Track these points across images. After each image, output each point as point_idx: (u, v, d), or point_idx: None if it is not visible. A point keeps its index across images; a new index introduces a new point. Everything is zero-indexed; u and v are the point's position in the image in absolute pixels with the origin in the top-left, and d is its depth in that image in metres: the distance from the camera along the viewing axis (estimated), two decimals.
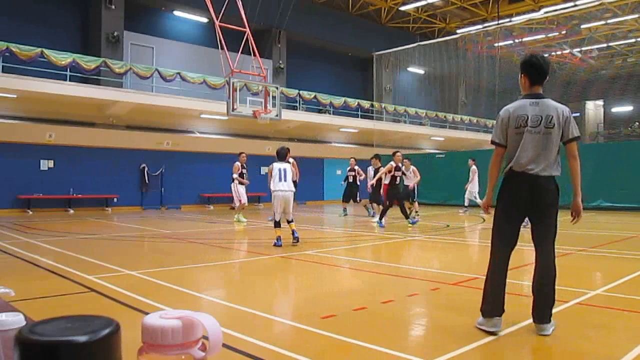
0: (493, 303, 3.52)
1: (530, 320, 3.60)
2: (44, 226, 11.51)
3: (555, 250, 3.63)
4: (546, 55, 31.21)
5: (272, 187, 8.42)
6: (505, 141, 3.62)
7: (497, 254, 3.59)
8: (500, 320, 3.50)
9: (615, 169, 15.92)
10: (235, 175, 12.73)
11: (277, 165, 8.47)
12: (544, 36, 27.05)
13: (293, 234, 8.51)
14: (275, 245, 8.18)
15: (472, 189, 15.30)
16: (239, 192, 12.74)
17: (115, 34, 17.89)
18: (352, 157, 15.39)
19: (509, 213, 3.59)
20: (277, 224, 8.52)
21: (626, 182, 15.85)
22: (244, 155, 13.03)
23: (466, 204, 15.64)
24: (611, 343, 3.46)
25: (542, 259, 3.56)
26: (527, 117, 3.49)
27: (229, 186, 13.11)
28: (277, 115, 14.91)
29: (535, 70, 3.59)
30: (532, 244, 3.62)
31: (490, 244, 3.66)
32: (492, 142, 3.71)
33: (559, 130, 3.51)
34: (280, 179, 8.41)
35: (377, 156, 13.55)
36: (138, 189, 17.95)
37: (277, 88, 15.27)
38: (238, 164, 12.80)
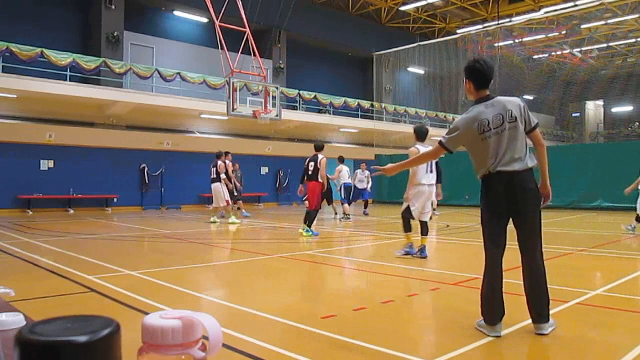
0: (493, 310, 3.48)
1: (530, 320, 3.60)
2: (44, 226, 11.51)
3: (543, 248, 3.57)
4: (546, 55, 31.34)
5: (416, 179, 6.76)
6: (455, 148, 3.66)
7: (491, 258, 3.54)
8: (501, 324, 3.48)
9: (615, 169, 15.90)
10: (223, 176, 12.35)
11: (423, 151, 6.36)
12: (544, 36, 27.05)
13: (422, 250, 6.89)
14: (408, 253, 6.88)
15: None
16: (226, 193, 12.40)
17: (115, 34, 17.89)
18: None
19: (494, 213, 3.54)
20: (410, 226, 7.03)
21: (626, 182, 15.80)
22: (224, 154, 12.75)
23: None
24: (611, 343, 3.46)
25: (530, 259, 3.49)
26: (489, 121, 3.48)
27: (210, 186, 12.59)
28: (277, 115, 14.91)
29: (479, 76, 3.62)
30: (517, 245, 3.55)
31: (483, 248, 3.62)
32: (440, 143, 3.67)
33: (522, 122, 3.52)
34: (427, 170, 6.79)
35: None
36: (138, 189, 17.95)
37: (277, 88, 15.28)
38: (223, 164, 12.43)
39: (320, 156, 9.76)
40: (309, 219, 9.65)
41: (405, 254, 6.90)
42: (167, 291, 4.98)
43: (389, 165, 4.15)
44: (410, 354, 3.15)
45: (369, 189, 15.66)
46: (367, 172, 15.55)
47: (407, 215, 6.98)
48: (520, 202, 3.45)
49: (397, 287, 5.35)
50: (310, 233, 9.55)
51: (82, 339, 0.50)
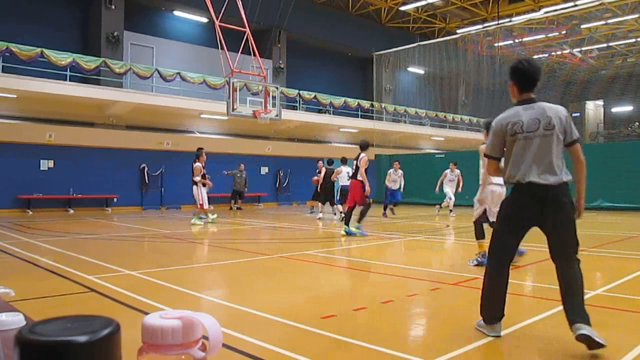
0: (494, 310, 3.44)
1: (530, 320, 3.60)
2: (44, 226, 11.51)
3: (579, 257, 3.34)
4: (546, 55, 31.33)
5: (489, 179, 6.00)
6: (501, 153, 3.49)
7: (498, 260, 3.45)
8: (501, 324, 3.47)
9: (615, 169, 15.91)
10: (197, 179, 12.08)
11: None
12: (544, 36, 27.06)
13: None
14: (481, 264, 6.06)
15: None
16: (202, 195, 12.12)
17: (115, 34, 17.89)
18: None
19: (513, 227, 3.40)
20: (484, 233, 6.27)
21: (626, 182, 15.85)
22: (204, 153, 12.37)
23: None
24: (611, 343, 3.45)
25: (565, 268, 3.30)
26: (523, 123, 3.32)
27: (191, 188, 12.27)
28: (277, 115, 14.91)
29: (522, 77, 3.43)
30: (549, 252, 3.36)
31: (488, 251, 3.55)
32: (486, 155, 3.59)
33: (561, 132, 3.29)
34: None
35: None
36: (138, 189, 17.95)
37: (277, 88, 15.28)
38: (199, 165, 12.08)
39: (362, 155, 9.69)
40: (361, 217, 9.72)
41: (478, 264, 6.19)
42: (167, 291, 4.99)
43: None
44: (410, 354, 3.15)
45: (401, 189, 15.08)
46: (400, 172, 15.09)
47: (482, 220, 6.32)
48: (554, 217, 3.26)
49: (397, 287, 5.35)
50: (359, 232, 9.61)
51: (82, 339, 0.50)
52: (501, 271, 3.44)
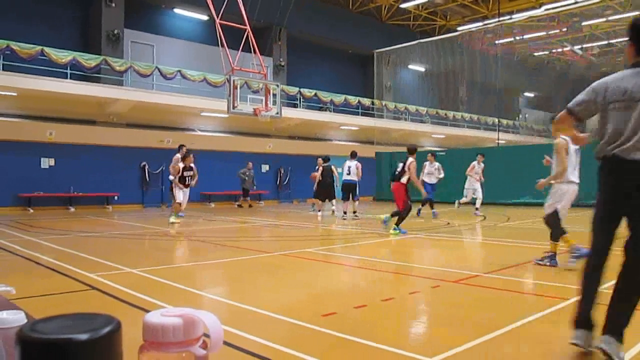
0: (578, 312, 3.03)
1: (532, 317, 3.59)
2: (45, 224, 11.52)
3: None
4: (546, 52, 31.22)
5: (564, 177, 5.69)
6: (585, 115, 3.10)
7: (591, 261, 3.05)
8: (584, 333, 2.94)
9: None
10: (171, 178, 12.01)
11: (572, 145, 5.64)
12: (544, 33, 27.04)
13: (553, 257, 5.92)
14: (581, 256, 5.32)
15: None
16: (176, 192, 11.79)
17: (116, 31, 17.88)
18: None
19: (606, 215, 3.02)
20: (563, 228, 5.86)
21: None
22: (185, 149, 12.11)
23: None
24: None
25: (631, 272, 2.87)
26: (627, 89, 2.83)
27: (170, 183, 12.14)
28: (277, 113, 14.90)
29: None
30: (624, 247, 3.00)
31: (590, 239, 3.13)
32: (568, 109, 3.15)
33: None
34: (575, 166, 5.82)
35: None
36: (139, 187, 17.95)
37: (277, 86, 15.26)
38: (179, 165, 11.82)
39: (410, 159, 9.54)
40: (399, 219, 9.60)
41: (578, 258, 5.51)
42: (168, 289, 4.99)
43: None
44: (411, 351, 3.16)
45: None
46: (436, 164, 13.75)
47: (555, 219, 5.91)
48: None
49: (398, 285, 5.36)
50: (398, 231, 9.51)
51: (83, 337, 0.50)
52: (592, 271, 3.01)
